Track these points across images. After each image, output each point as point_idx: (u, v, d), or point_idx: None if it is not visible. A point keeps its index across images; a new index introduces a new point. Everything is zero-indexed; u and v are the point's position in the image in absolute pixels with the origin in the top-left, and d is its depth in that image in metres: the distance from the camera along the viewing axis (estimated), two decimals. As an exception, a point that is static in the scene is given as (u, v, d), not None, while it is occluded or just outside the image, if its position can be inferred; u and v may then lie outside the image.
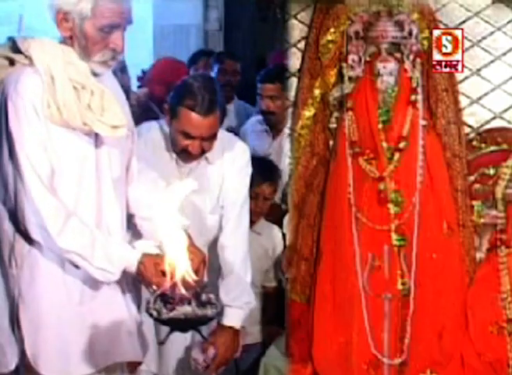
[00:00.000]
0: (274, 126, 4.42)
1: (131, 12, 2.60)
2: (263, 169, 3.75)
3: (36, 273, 2.69)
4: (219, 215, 3.28)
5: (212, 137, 3.10)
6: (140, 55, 5.95)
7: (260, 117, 4.55)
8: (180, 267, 2.36)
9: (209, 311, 2.37)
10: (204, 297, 2.39)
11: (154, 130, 3.26)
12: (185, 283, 2.35)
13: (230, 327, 3.22)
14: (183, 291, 2.34)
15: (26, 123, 2.55)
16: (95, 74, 2.64)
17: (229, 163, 3.25)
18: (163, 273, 2.44)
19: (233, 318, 3.23)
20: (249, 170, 3.29)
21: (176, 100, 3.10)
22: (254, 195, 3.63)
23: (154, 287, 2.51)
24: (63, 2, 2.57)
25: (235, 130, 4.47)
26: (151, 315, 2.36)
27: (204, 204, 3.25)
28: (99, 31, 2.57)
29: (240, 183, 3.27)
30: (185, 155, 3.14)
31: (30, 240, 2.66)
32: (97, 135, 2.66)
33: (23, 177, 2.57)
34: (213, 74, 5.23)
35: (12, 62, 2.62)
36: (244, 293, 3.26)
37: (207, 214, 3.27)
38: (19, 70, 2.59)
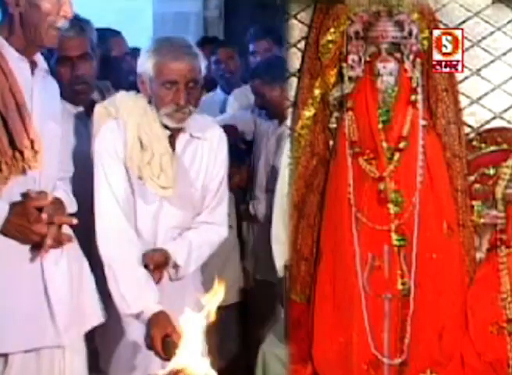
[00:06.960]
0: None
1: (194, 70, 3.01)
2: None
3: None
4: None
5: None
6: (139, 42, 5.95)
7: None
8: None
9: None
10: None
11: None
12: None
13: None
14: None
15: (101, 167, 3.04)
16: (165, 127, 3.05)
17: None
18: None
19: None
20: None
21: None
22: None
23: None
24: (139, 67, 3.07)
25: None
26: None
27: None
28: (161, 87, 2.99)
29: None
30: None
31: None
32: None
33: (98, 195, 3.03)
34: (212, 66, 5.25)
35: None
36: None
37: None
38: (106, 122, 3.07)
